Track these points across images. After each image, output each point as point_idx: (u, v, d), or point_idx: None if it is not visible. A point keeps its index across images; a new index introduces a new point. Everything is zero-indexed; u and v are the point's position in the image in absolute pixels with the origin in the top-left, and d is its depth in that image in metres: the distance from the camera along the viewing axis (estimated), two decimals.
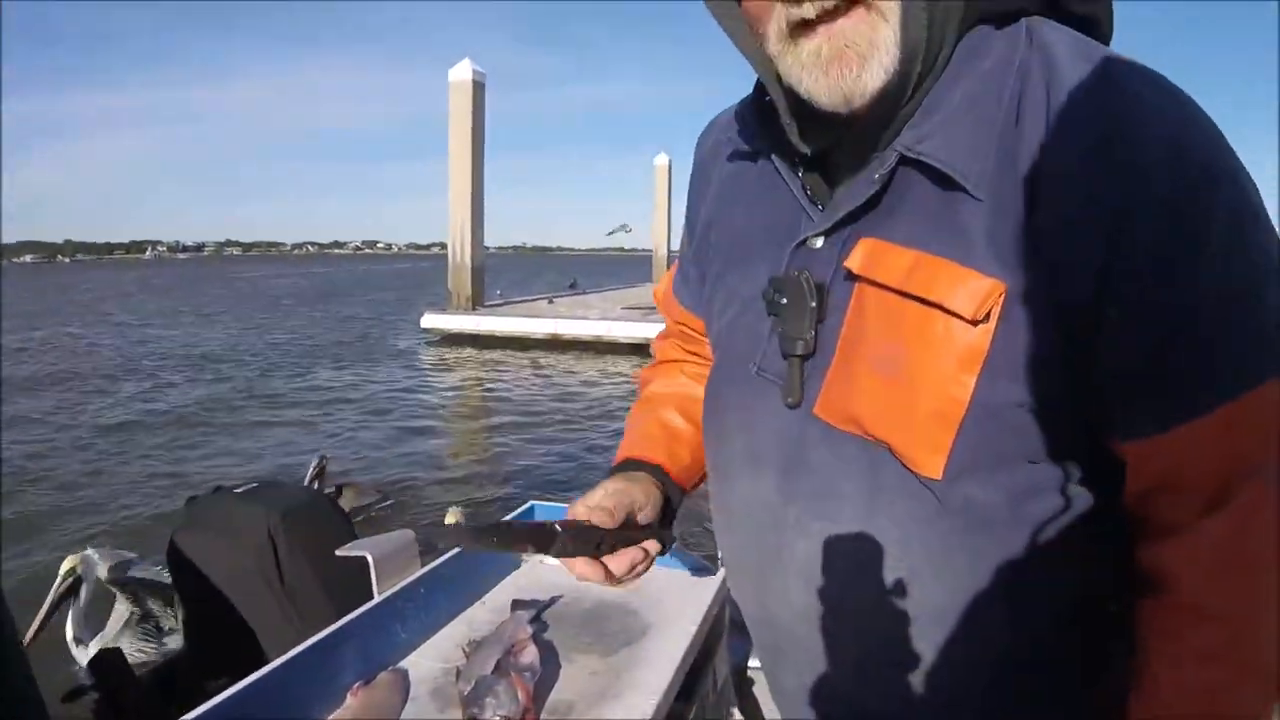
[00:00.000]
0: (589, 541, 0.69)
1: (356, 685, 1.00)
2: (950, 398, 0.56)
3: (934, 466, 0.58)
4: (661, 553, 0.76)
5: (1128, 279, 0.51)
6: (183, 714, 0.81)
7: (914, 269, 0.57)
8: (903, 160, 0.58)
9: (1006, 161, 0.55)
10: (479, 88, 16.40)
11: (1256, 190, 0.54)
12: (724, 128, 0.78)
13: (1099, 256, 0.52)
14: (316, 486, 4.23)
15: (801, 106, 0.61)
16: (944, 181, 0.56)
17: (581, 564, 0.70)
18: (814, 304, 0.63)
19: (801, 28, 0.56)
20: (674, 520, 0.83)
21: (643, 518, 0.75)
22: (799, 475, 0.64)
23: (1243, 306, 0.52)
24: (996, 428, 0.57)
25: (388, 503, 5.11)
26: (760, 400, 0.67)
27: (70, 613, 2.86)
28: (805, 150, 0.64)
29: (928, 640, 0.62)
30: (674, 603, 1.24)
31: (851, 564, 0.63)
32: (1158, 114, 0.52)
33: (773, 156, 0.68)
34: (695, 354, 0.89)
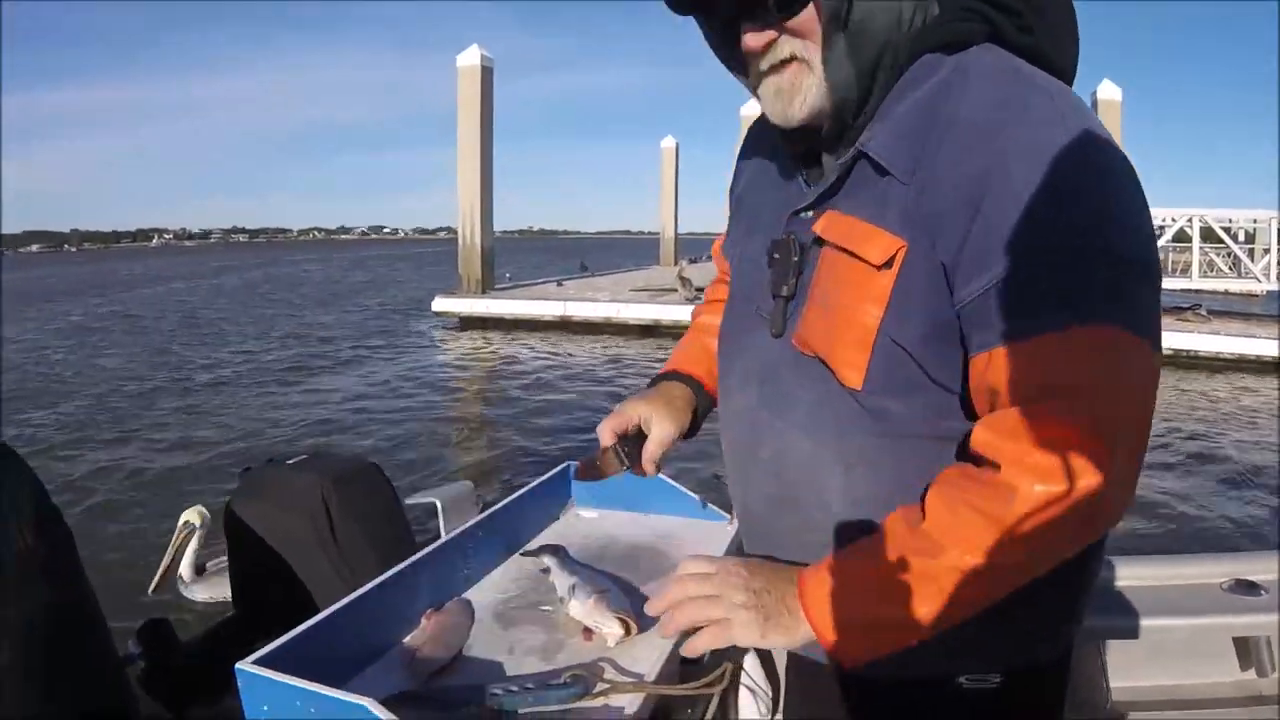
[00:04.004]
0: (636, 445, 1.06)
1: (430, 610, 1.16)
2: (863, 326, 0.74)
3: (854, 380, 0.75)
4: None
5: (978, 244, 0.69)
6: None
7: (850, 230, 0.76)
8: (858, 154, 0.77)
9: (921, 158, 0.72)
10: (487, 72, 16.47)
11: (1105, 188, 0.68)
12: (764, 123, 0.94)
13: (963, 228, 0.69)
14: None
15: None
16: (880, 170, 0.75)
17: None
18: (796, 259, 0.82)
19: (765, 73, 0.78)
20: (703, 418, 1.09)
21: (644, 422, 1.04)
22: (773, 387, 0.83)
23: (1074, 258, 0.66)
24: (901, 354, 0.74)
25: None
26: (756, 333, 0.86)
27: (184, 558, 3.65)
28: (788, 148, 0.86)
29: (859, 527, 0.77)
30: (694, 547, 1.41)
31: (803, 457, 0.81)
32: (1027, 125, 0.68)
33: (788, 152, 0.87)
34: None
